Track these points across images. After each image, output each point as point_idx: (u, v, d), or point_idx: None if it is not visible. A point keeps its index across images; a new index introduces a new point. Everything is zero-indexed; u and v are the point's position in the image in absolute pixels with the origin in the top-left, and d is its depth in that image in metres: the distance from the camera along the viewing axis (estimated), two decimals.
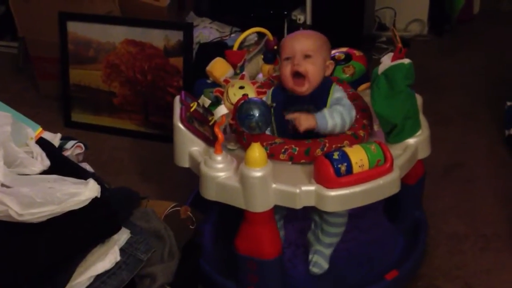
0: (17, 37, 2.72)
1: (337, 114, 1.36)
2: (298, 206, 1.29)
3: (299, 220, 1.61)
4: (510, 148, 2.06)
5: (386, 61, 1.38)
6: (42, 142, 1.38)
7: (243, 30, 1.77)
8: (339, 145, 1.33)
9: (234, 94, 1.44)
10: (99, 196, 1.22)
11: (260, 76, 1.67)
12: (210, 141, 1.43)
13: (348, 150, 1.27)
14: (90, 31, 2.28)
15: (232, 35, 2.34)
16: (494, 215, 1.77)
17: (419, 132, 1.43)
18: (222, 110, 1.45)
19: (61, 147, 1.47)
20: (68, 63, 2.34)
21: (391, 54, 1.38)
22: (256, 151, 1.25)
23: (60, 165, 1.34)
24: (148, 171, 2.06)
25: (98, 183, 1.25)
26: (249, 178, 1.27)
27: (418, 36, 3.02)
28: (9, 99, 1.49)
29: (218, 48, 2.09)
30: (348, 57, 1.66)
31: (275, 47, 1.64)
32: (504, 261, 1.61)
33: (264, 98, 1.42)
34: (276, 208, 1.35)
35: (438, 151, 1.65)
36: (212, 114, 1.48)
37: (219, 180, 1.32)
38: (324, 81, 1.42)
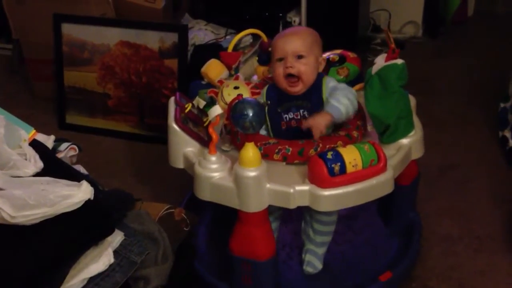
0: (11, 39, 2.72)
1: (341, 97, 1.36)
2: (292, 206, 1.29)
3: (294, 222, 1.61)
4: (503, 149, 2.07)
5: (380, 61, 1.38)
6: (35, 144, 1.38)
7: (238, 32, 1.77)
8: (332, 145, 1.34)
9: (229, 94, 1.45)
10: (92, 198, 1.22)
11: (255, 77, 1.67)
12: (205, 141, 1.43)
13: (341, 150, 1.28)
14: (85, 33, 2.28)
15: (227, 36, 2.35)
16: (488, 216, 1.77)
17: (412, 133, 1.43)
18: (216, 110, 1.45)
19: (55, 149, 1.47)
20: (62, 65, 2.34)
21: (384, 55, 1.38)
22: (250, 151, 1.25)
23: (53, 167, 1.33)
24: (142, 173, 2.05)
25: (92, 185, 1.24)
26: (243, 178, 1.27)
27: (412, 38, 3.02)
28: (3, 101, 1.49)
29: (213, 50, 2.09)
30: (342, 59, 1.66)
31: (270, 49, 1.64)
32: (498, 263, 1.61)
33: (258, 97, 1.42)
34: (271, 210, 1.35)
35: (432, 153, 1.65)
36: (207, 115, 1.48)
37: (213, 181, 1.32)
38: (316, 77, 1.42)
